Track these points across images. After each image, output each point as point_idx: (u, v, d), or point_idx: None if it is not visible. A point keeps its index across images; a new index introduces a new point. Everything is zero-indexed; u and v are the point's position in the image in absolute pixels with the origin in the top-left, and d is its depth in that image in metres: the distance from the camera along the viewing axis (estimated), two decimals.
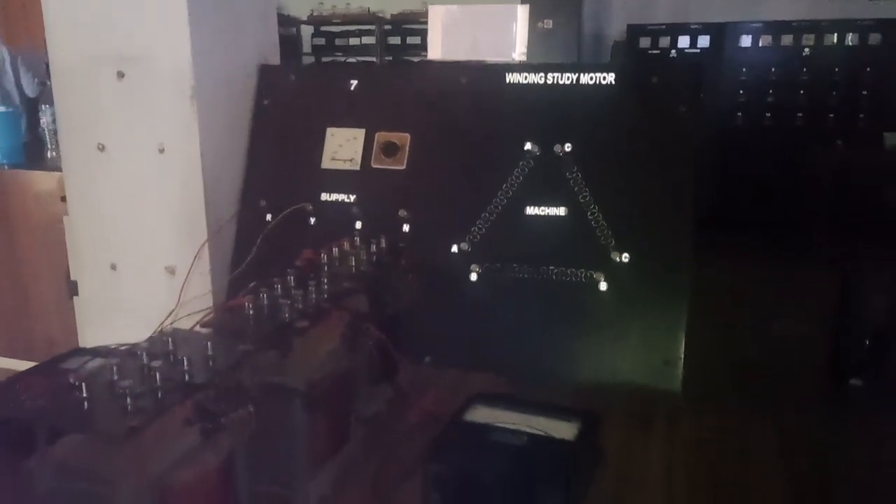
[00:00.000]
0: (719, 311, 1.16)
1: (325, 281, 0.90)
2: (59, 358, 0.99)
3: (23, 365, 1.51)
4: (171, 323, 1.12)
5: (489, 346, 1.20)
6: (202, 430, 0.62)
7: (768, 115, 3.23)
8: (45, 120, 2.44)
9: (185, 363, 0.66)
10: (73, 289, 1.56)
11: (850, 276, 1.17)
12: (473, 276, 1.22)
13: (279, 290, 0.86)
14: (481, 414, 0.87)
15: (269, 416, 0.75)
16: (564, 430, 0.84)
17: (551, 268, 1.19)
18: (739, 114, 3.28)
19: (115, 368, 0.63)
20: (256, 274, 1.10)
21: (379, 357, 0.93)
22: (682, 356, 1.11)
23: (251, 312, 0.80)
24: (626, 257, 1.15)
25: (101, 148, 1.36)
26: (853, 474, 0.96)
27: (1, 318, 2.31)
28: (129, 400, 0.59)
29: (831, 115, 3.09)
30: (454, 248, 1.24)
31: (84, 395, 0.60)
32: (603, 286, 1.16)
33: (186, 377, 0.65)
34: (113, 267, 1.40)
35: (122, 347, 0.73)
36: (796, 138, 3.07)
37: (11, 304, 2.26)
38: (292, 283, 0.88)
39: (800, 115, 3.19)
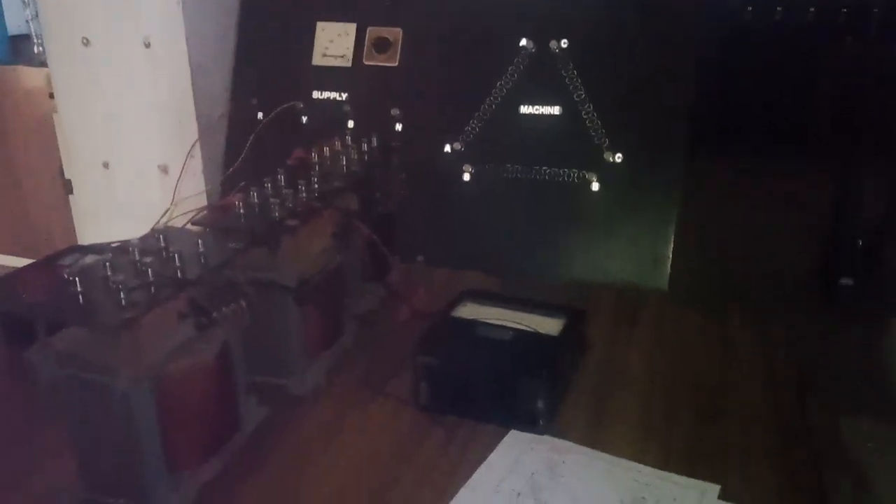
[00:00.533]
0: (712, 211, 1.16)
1: (316, 180, 0.90)
2: (56, 255, 1.01)
3: (21, 262, 1.54)
4: (167, 222, 1.13)
5: (481, 245, 1.22)
6: (196, 324, 0.65)
7: (779, 8, 3.11)
8: (28, 12, 2.36)
9: (177, 259, 0.67)
10: (68, 187, 1.56)
11: (848, 176, 1.17)
12: (466, 176, 1.22)
13: (270, 189, 0.87)
14: (469, 310, 0.90)
15: (263, 311, 0.77)
16: (550, 325, 0.87)
17: (544, 168, 1.19)
18: (749, 8, 3.15)
19: (108, 264, 0.64)
20: (250, 173, 1.10)
21: (369, 255, 0.94)
22: (671, 255, 1.13)
23: (241, 211, 0.81)
24: (619, 157, 1.15)
25: (86, 42, 1.32)
26: (837, 371, 0.99)
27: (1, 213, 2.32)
28: (122, 294, 0.61)
29: (844, 10, 2.97)
30: (447, 148, 1.23)
31: (79, 289, 0.62)
32: (595, 186, 1.16)
33: (178, 273, 0.67)
34: (105, 165, 1.40)
35: (116, 244, 0.74)
36: (806, 35, 2.97)
37: (8, 202, 2.26)
38: (283, 183, 0.89)
39: (812, 9, 3.06)
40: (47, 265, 0.91)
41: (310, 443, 0.78)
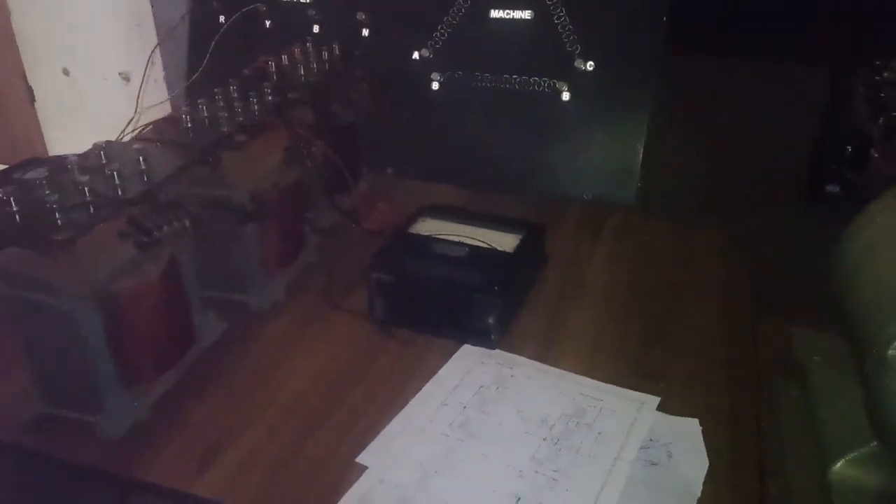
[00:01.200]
0: (686, 119, 1.14)
1: (270, 92, 0.87)
2: (12, 168, 0.99)
3: None
4: (133, 131, 1.11)
5: (451, 157, 1.20)
6: (137, 243, 0.64)
7: None
8: None
9: (117, 177, 0.66)
10: (31, 94, 1.52)
11: (839, 79, 1.13)
12: (435, 85, 1.19)
13: (221, 101, 0.84)
14: (427, 226, 0.90)
15: (215, 228, 0.77)
16: (507, 240, 0.87)
17: (514, 76, 1.15)
18: None
19: (44, 182, 0.63)
20: (213, 81, 1.07)
21: (328, 171, 0.93)
22: (640, 166, 1.11)
23: (189, 125, 0.79)
24: (590, 66, 1.11)
25: None
26: (798, 282, 1.00)
27: None
28: (58, 214, 0.60)
29: None
30: (415, 55, 1.19)
31: (14, 208, 0.61)
32: (566, 96, 1.13)
33: (119, 191, 0.66)
34: (66, 72, 1.36)
35: (70, 158, 0.73)
36: None
37: None
38: (235, 94, 0.86)
39: None
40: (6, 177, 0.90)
41: (267, 355, 0.80)
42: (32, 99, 1.51)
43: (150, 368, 0.71)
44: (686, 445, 0.66)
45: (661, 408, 0.71)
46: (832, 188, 1.10)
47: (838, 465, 0.67)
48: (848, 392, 0.70)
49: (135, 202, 0.65)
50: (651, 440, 0.67)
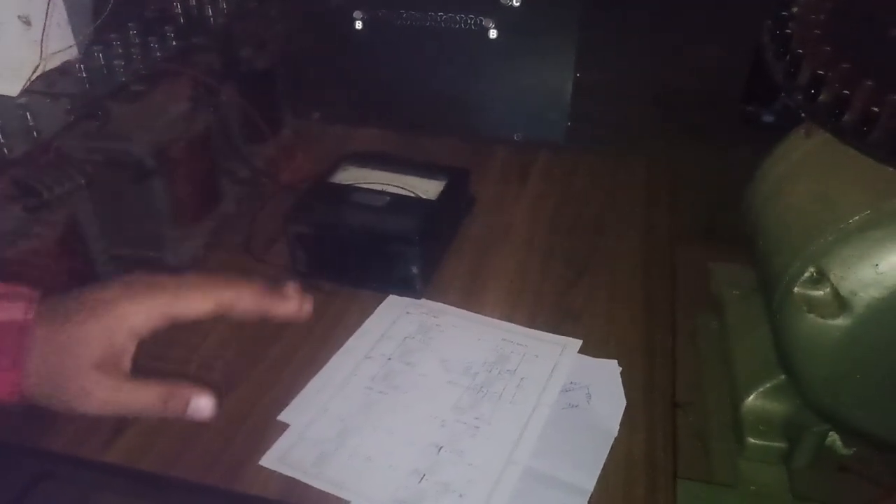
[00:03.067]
0: (613, 52, 1.11)
1: (173, 36, 0.82)
2: None
3: None
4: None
5: (378, 100, 1.16)
6: (25, 206, 0.60)
7: None
8: None
9: (0, 135, 0.61)
10: None
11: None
12: (359, 24, 1.14)
13: (119, 48, 0.79)
14: (349, 175, 0.87)
15: (116, 185, 0.73)
16: (430, 187, 0.85)
17: (440, 14, 1.11)
18: None
19: None
20: (123, 22, 1.00)
21: (244, 120, 0.89)
22: (569, 105, 1.10)
23: (84, 75, 0.73)
24: (517, 1, 1.08)
25: None
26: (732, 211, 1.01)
27: None
28: None
29: None
30: None
31: None
32: (493, 34, 1.09)
33: (3, 150, 0.61)
34: None
35: None
36: None
37: None
38: (137, 40, 0.80)
39: None
40: None
41: None
42: None
43: None
44: (605, 387, 0.67)
45: (582, 350, 0.72)
46: (768, 118, 1.09)
47: (750, 397, 0.69)
48: (762, 326, 0.72)
49: (20, 162, 0.61)
50: (572, 383, 0.68)
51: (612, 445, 0.62)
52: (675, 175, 1.00)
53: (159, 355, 0.71)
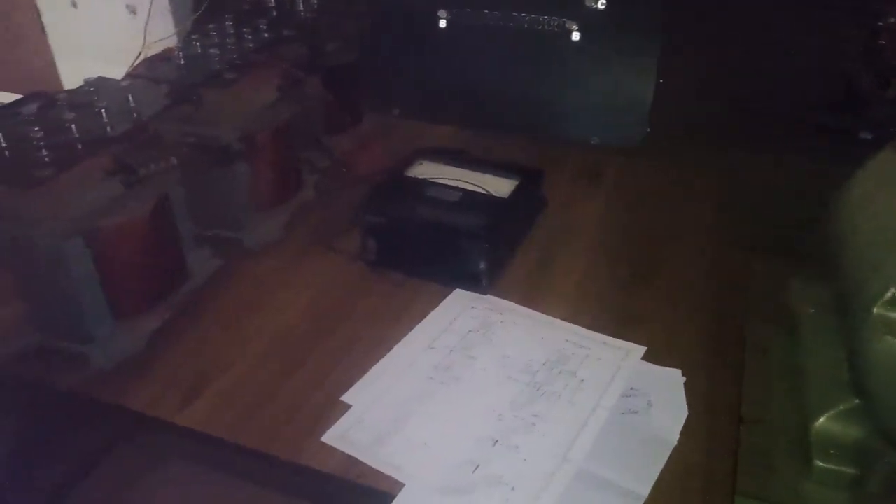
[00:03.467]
0: (699, 61, 1.09)
1: (265, 28, 0.86)
2: (16, 103, 1.00)
3: (5, 98, 1.52)
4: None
5: (457, 98, 1.18)
6: (122, 181, 0.65)
7: None
8: None
9: (104, 114, 0.66)
10: (42, 26, 1.51)
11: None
12: (442, 23, 1.16)
13: (215, 37, 0.83)
14: (423, 169, 0.89)
15: (205, 166, 0.77)
16: (502, 186, 0.86)
17: (524, 14, 1.11)
18: None
19: (32, 118, 0.63)
20: (220, 15, 1.05)
21: (326, 111, 0.92)
22: (649, 111, 1.08)
23: (182, 62, 0.78)
24: (602, 4, 1.07)
25: None
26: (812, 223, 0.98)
27: None
28: (43, 151, 0.61)
29: None
30: None
31: (2, 144, 0.62)
32: (576, 36, 1.09)
33: (107, 129, 0.66)
34: (74, 4, 1.34)
35: (61, 94, 0.73)
36: None
37: None
38: (231, 31, 0.85)
39: None
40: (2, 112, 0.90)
41: (259, 292, 0.81)
42: (43, 31, 1.51)
43: (140, 303, 0.72)
44: (667, 395, 0.66)
45: (646, 356, 0.71)
46: (865, 136, 1.05)
47: (821, 419, 0.67)
48: (838, 346, 0.69)
49: (121, 140, 0.65)
50: (633, 389, 0.67)
51: (670, 455, 0.61)
52: (753, 185, 0.97)
53: (237, 330, 0.75)
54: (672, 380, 0.68)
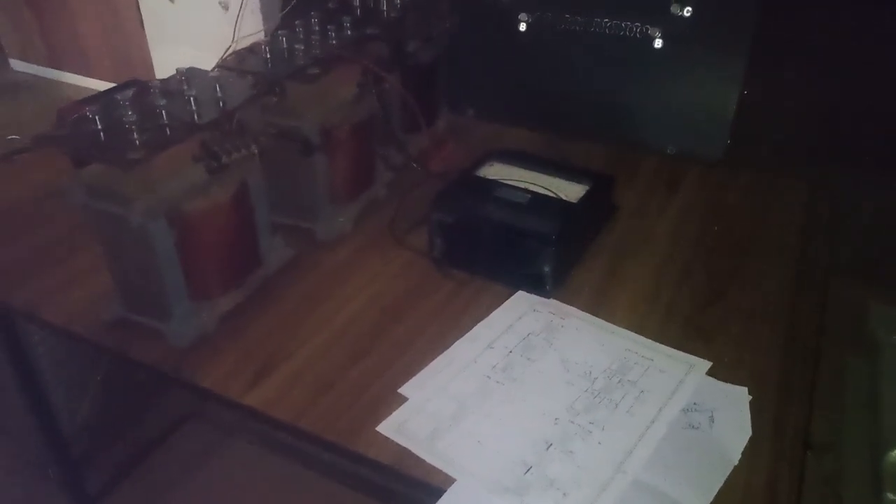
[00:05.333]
0: (786, 75, 1.06)
1: (349, 26, 0.88)
2: (115, 89, 1.06)
3: (105, 85, 1.61)
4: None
5: (534, 102, 1.18)
6: (207, 167, 0.68)
7: None
8: None
9: (193, 103, 0.69)
10: (141, 19, 1.60)
11: None
12: (522, 26, 1.16)
13: (301, 33, 0.86)
14: (494, 170, 0.89)
15: (285, 158, 0.80)
16: (573, 190, 0.85)
17: (606, 20, 1.10)
18: None
19: (127, 104, 0.67)
20: (307, 11, 1.09)
21: (403, 109, 0.93)
22: (731, 123, 1.05)
23: (268, 56, 0.81)
24: (687, 11, 1.05)
25: None
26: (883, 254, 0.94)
27: (91, 41, 2.43)
28: (135, 134, 0.65)
29: None
30: None
31: (99, 126, 0.66)
32: (658, 43, 1.07)
33: (195, 116, 0.69)
34: (171, 0, 1.42)
35: (154, 82, 0.77)
36: None
37: (95, 31, 2.35)
38: (316, 28, 0.87)
39: None
40: (101, 98, 0.96)
41: (327, 282, 0.83)
42: (142, 24, 1.59)
43: (216, 285, 0.75)
44: (731, 413, 0.65)
45: (711, 372, 0.69)
46: None
47: None
48: None
49: (207, 127, 0.68)
50: (695, 404, 0.66)
51: (731, 474, 0.59)
52: (837, 204, 0.93)
53: (304, 317, 0.77)
54: (737, 397, 0.66)
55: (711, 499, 0.57)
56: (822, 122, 1.03)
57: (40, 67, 2.90)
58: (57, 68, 2.81)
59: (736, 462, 0.60)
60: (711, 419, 0.64)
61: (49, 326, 0.79)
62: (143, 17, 1.52)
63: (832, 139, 1.06)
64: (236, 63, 0.80)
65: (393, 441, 0.63)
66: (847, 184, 0.99)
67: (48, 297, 0.80)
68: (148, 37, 1.58)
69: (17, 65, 3.01)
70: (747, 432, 0.63)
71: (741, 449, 0.61)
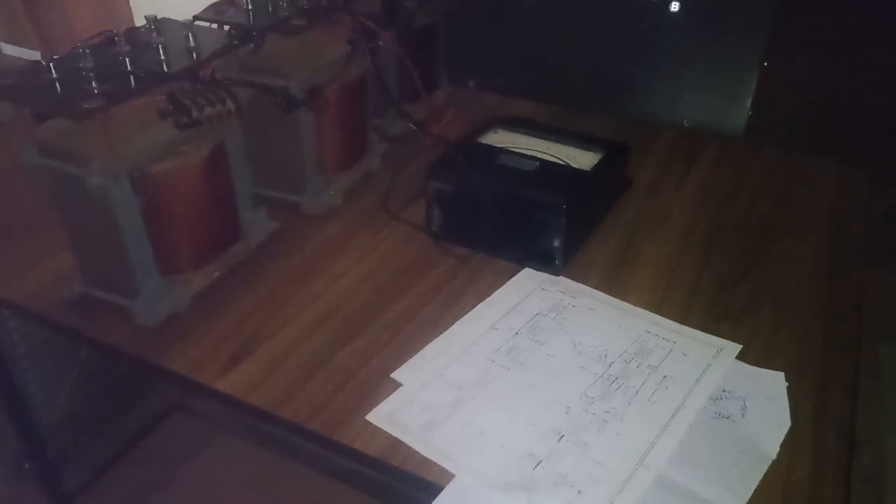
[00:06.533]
0: (811, 44, 0.98)
1: None
2: (87, 41, 0.98)
3: None
4: None
5: (539, 70, 1.10)
6: (177, 123, 0.60)
7: None
8: None
9: (162, 52, 0.62)
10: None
11: None
12: None
13: None
14: (499, 138, 0.82)
15: (269, 120, 0.72)
16: (585, 159, 0.78)
17: None
18: None
19: (87, 52, 0.60)
20: None
21: (399, 74, 0.86)
22: (753, 94, 0.98)
23: (249, 7, 0.73)
24: None
25: None
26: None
27: (82, 24, 2.35)
28: (94, 84, 0.57)
29: None
30: None
31: (54, 75, 0.59)
32: (675, 6, 0.99)
33: (164, 67, 0.62)
34: None
35: (121, 31, 0.69)
36: None
37: (88, 9, 2.27)
38: None
39: None
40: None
41: (315, 258, 0.75)
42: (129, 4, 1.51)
43: (189, 259, 0.68)
44: (765, 401, 0.57)
45: (741, 356, 0.62)
46: None
47: None
48: None
49: (176, 77, 0.61)
50: (725, 391, 0.58)
51: (768, 469, 0.52)
52: (873, 187, 0.85)
53: (288, 296, 0.70)
54: (773, 384, 0.59)
55: (747, 497, 0.50)
56: (852, 97, 0.96)
57: (30, 51, 2.82)
58: (47, 52, 2.73)
59: (774, 457, 0.53)
60: (744, 408, 0.57)
61: (6, 305, 0.72)
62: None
63: (861, 116, 0.98)
64: (214, 15, 0.72)
65: (384, 431, 0.55)
66: (877, 164, 0.92)
67: (8, 274, 0.73)
68: (131, 4, 1.50)
69: (7, 48, 2.93)
70: (786, 423, 0.55)
71: (779, 442, 0.54)
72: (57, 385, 1.14)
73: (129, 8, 1.58)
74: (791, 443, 0.54)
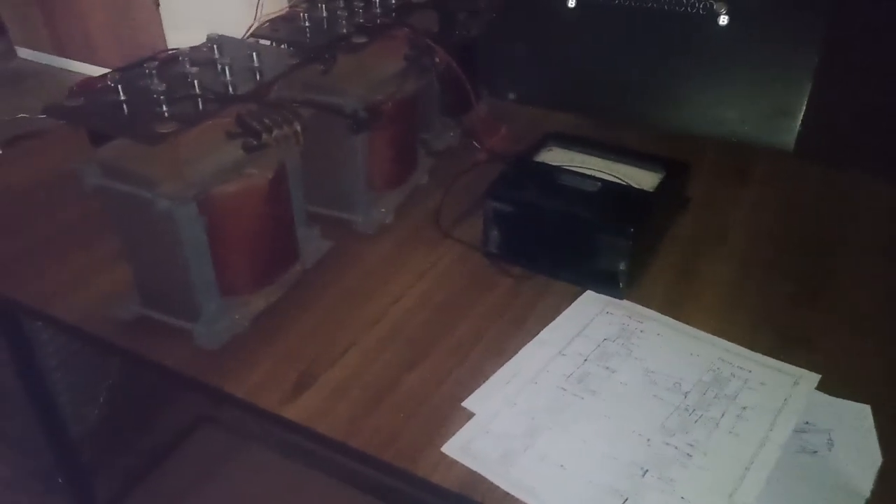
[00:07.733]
0: (864, 57, 0.96)
1: None
2: (132, 64, 0.97)
3: None
4: None
5: (581, 83, 1.09)
6: (245, 146, 0.59)
7: None
8: None
9: (228, 73, 0.61)
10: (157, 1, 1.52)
11: None
12: (571, 2, 1.07)
13: (340, 0, 0.77)
14: (554, 156, 0.80)
15: (325, 138, 0.71)
16: (645, 178, 0.77)
17: None
18: None
19: (154, 73, 0.59)
20: None
21: (448, 85, 0.84)
22: (804, 109, 0.96)
23: (307, 24, 0.72)
24: None
25: None
26: None
27: (98, 28, 2.35)
28: (164, 106, 0.56)
29: None
30: None
31: (122, 97, 0.57)
32: (723, 20, 0.98)
33: (229, 88, 0.60)
34: None
35: (184, 50, 0.68)
36: None
37: (106, 15, 2.26)
38: None
39: None
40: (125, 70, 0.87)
41: (370, 279, 0.74)
42: (157, 3, 1.51)
43: (251, 280, 0.67)
44: (852, 434, 0.56)
45: (820, 386, 0.60)
46: None
47: None
48: None
49: (244, 99, 0.59)
50: (807, 423, 0.57)
51: None
52: None
53: (347, 318, 0.68)
54: (858, 417, 0.57)
55: None
56: None
57: (45, 55, 2.82)
58: (62, 56, 2.73)
59: (868, 495, 0.51)
60: (830, 442, 0.55)
61: (59, 325, 0.70)
62: (159, 1, 1.43)
63: None
64: (270, 32, 0.71)
65: (460, 463, 0.54)
66: None
67: (58, 292, 0.71)
68: (163, 18, 1.49)
69: (22, 52, 2.93)
70: (877, 458, 0.54)
71: (872, 479, 0.52)
72: (88, 395, 1.13)
73: (159, 18, 1.57)
74: (883, 480, 0.52)
